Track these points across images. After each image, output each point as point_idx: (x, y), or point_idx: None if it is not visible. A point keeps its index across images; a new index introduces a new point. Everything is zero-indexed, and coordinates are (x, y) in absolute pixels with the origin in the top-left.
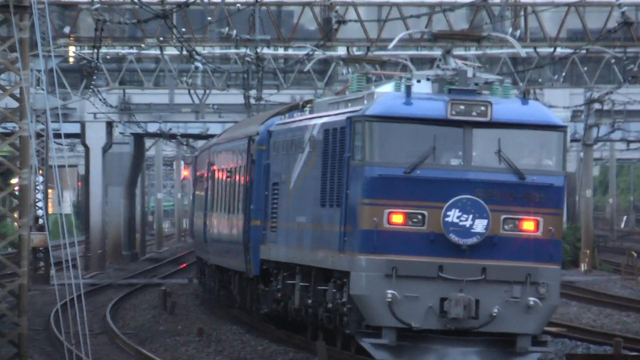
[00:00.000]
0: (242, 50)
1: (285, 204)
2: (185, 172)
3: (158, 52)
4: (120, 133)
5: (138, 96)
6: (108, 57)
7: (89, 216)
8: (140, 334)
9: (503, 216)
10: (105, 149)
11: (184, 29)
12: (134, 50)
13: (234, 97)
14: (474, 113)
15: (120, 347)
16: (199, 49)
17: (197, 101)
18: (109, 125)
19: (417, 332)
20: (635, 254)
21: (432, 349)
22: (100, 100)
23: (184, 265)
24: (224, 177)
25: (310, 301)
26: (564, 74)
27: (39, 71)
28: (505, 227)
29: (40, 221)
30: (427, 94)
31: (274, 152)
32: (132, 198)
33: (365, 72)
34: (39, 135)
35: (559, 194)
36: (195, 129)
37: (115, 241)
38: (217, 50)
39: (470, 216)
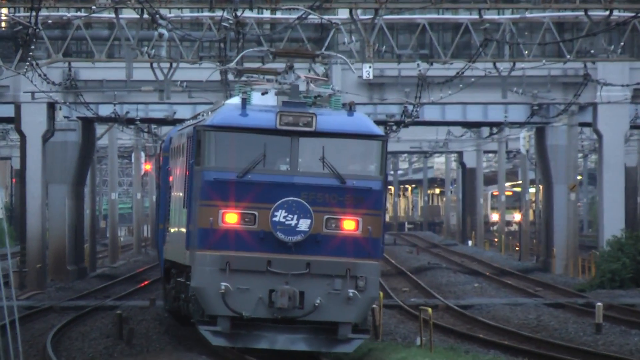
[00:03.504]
0: (218, 13)
1: (172, 206)
2: (146, 166)
3: (112, 15)
4: (65, 117)
5: (87, 71)
6: (49, 21)
7: (25, 221)
8: None
9: (325, 216)
10: (46, 138)
11: None
12: (82, 14)
13: (208, 72)
14: (300, 124)
15: None
16: (163, 11)
17: (161, 77)
18: (51, 107)
19: (251, 320)
20: None
21: (264, 336)
22: (39, 76)
23: (145, 283)
24: (158, 183)
25: (183, 296)
26: (622, 43)
27: None
28: (328, 226)
29: None
30: (264, 106)
31: (170, 158)
32: (80, 199)
33: (247, 81)
34: None
35: (377, 197)
36: (159, 112)
37: (58, 253)
38: (187, 14)
39: (296, 216)
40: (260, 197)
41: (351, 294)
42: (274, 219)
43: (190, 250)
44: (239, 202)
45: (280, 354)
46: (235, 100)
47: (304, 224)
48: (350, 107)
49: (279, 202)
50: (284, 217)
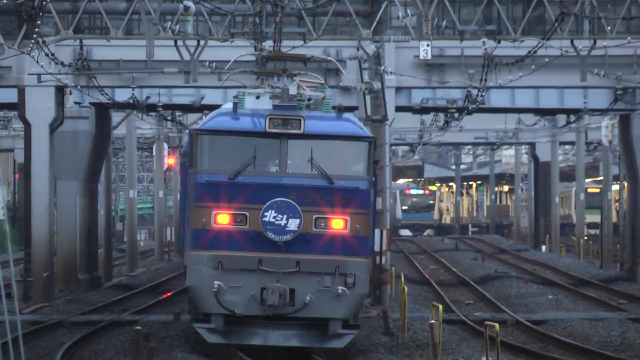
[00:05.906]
0: None
1: (185, 211)
2: (169, 160)
3: None
4: (76, 103)
5: (101, 50)
6: None
7: (30, 223)
8: None
9: (314, 216)
10: (54, 126)
11: None
12: None
13: (241, 51)
14: (289, 126)
15: None
16: None
17: (187, 57)
18: (60, 91)
19: (244, 318)
20: None
21: (257, 332)
22: (46, 55)
23: (169, 294)
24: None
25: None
26: None
27: None
28: (316, 225)
29: None
30: (256, 110)
31: (187, 162)
32: (93, 197)
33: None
34: None
35: (365, 196)
36: (184, 97)
37: (68, 260)
38: None
39: (285, 216)
40: (250, 198)
41: (340, 291)
42: (264, 219)
43: (186, 251)
44: (231, 203)
45: (274, 350)
46: (230, 104)
47: (293, 224)
48: (339, 110)
49: (269, 202)
50: (274, 217)
